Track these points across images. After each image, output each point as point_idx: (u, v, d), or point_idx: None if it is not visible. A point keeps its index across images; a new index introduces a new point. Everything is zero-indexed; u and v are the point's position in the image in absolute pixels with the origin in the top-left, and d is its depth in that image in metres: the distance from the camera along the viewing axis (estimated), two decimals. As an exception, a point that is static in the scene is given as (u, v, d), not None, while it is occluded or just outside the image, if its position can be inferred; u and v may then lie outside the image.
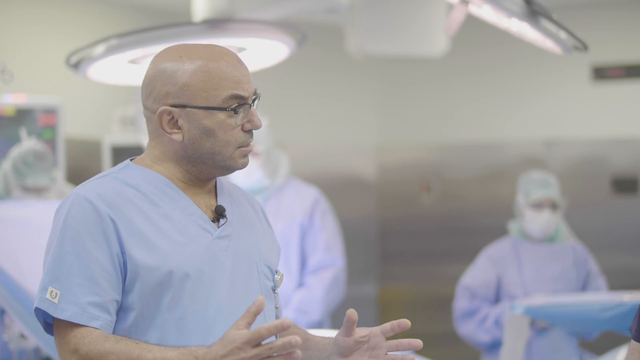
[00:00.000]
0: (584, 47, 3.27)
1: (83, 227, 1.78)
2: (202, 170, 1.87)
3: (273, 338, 1.83)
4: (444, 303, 5.86)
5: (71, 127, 5.17)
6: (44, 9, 5.51)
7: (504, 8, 3.05)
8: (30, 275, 2.98)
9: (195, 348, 1.73)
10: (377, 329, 1.88)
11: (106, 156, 5.15)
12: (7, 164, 4.13)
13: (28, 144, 4.21)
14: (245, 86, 1.85)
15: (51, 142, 4.76)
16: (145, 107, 1.89)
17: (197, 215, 1.86)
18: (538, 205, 4.19)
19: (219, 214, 1.89)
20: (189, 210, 1.86)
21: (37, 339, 3.02)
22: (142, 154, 1.92)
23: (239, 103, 1.84)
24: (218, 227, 1.88)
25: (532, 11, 3.06)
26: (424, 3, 4.12)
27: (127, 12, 5.75)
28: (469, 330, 4.20)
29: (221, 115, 1.83)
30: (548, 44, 3.28)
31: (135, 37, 3.50)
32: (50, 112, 4.85)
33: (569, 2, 5.74)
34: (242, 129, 1.86)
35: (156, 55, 1.90)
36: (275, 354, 1.69)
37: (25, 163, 4.09)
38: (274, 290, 1.94)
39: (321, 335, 1.97)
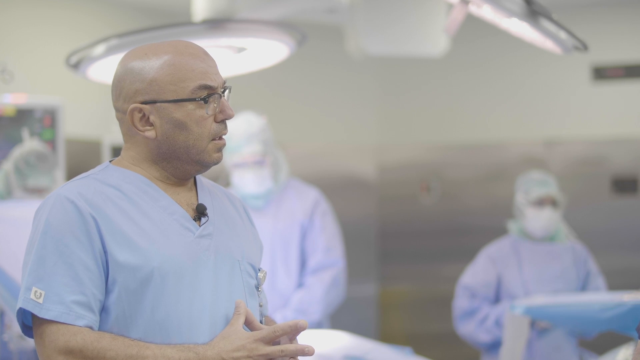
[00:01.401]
0: (584, 47, 3.27)
1: (65, 226, 1.78)
2: (178, 167, 1.87)
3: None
4: (444, 303, 5.85)
5: (71, 127, 5.17)
6: (44, 9, 5.50)
7: (504, 8, 3.05)
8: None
9: (194, 345, 1.75)
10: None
11: (106, 156, 5.15)
12: (9, 164, 4.14)
13: (30, 144, 4.22)
14: (213, 77, 1.86)
15: (51, 142, 4.76)
16: (117, 109, 1.90)
17: (179, 214, 1.86)
18: (539, 203, 4.20)
19: (200, 213, 1.88)
20: (170, 209, 1.86)
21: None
22: (119, 157, 1.92)
23: (208, 93, 1.84)
24: (200, 225, 1.88)
25: (532, 11, 3.06)
26: (424, 3, 4.12)
27: (127, 12, 5.75)
28: (469, 330, 4.20)
29: (191, 107, 1.83)
30: (548, 44, 3.27)
31: (135, 37, 3.50)
32: (50, 112, 4.85)
33: (569, 2, 5.74)
34: (215, 120, 1.86)
35: (123, 56, 1.91)
36: (285, 358, 1.74)
37: (27, 164, 4.10)
38: (257, 288, 1.94)
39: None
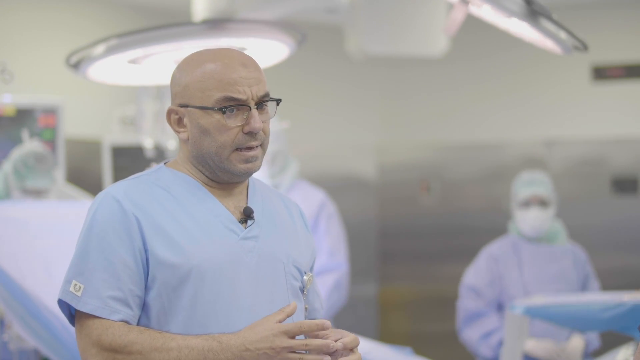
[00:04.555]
0: (584, 47, 3.27)
1: (108, 225, 1.84)
2: (211, 172, 1.92)
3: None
4: (444, 303, 5.86)
5: (71, 127, 5.17)
6: (44, 9, 5.51)
7: (504, 8, 3.05)
8: (30, 275, 2.99)
9: (219, 334, 1.80)
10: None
11: (106, 156, 5.15)
12: (8, 166, 4.13)
13: (29, 145, 4.21)
14: (242, 89, 1.88)
15: (51, 142, 4.76)
16: None
17: (224, 216, 1.90)
18: (525, 204, 4.20)
19: (246, 216, 1.92)
20: (215, 211, 1.90)
21: (34, 340, 3.01)
22: (175, 158, 1.99)
23: (233, 104, 1.87)
24: (245, 228, 1.91)
25: (532, 11, 3.06)
26: (424, 3, 4.12)
27: (127, 13, 5.75)
28: (472, 338, 4.11)
29: (216, 116, 1.88)
30: (548, 44, 3.27)
31: (135, 37, 3.51)
32: (50, 112, 4.85)
33: (569, 2, 5.74)
34: (243, 131, 1.89)
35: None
36: (307, 352, 1.78)
37: (26, 165, 4.09)
38: (302, 291, 1.96)
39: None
